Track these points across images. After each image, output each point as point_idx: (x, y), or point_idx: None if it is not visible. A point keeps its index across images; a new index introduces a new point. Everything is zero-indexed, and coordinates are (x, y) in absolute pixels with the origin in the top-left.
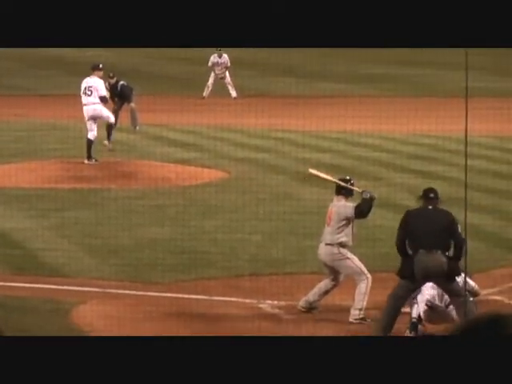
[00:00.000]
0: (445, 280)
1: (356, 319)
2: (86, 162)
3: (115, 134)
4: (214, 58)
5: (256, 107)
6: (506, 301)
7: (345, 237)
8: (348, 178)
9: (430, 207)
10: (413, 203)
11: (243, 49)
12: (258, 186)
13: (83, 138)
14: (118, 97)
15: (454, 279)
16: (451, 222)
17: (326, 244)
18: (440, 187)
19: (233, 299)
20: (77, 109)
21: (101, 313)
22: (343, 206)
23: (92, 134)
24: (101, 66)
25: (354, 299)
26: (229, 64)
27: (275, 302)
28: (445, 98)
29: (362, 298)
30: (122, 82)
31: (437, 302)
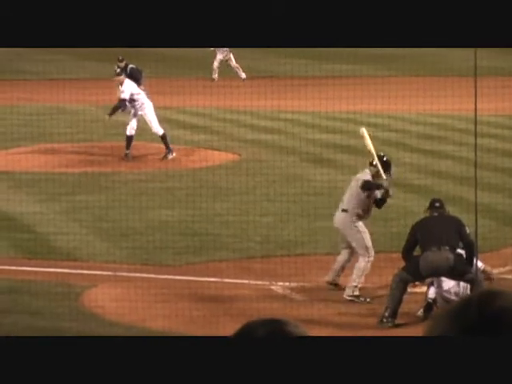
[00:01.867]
0: (452, 276)
1: (350, 296)
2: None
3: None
4: None
5: (265, 89)
6: None
7: (360, 208)
8: (383, 156)
9: (436, 214)
10: (423, 182)
11: None
12: (268, 168)
13: (93, 121)
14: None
15: (463, 276)
16: (459, 224)
17: (342, 210)
18: (450, 167)
19: (244, 281)
20: (86, 93)
21: (112, 296)
22: (358, 179)
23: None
24: (120, 57)
25: (352, 273)
26: None
27: (287, 284)
28: (454, 77)
29: (360, 274)
30: (131, 65)
31: (452, 296)
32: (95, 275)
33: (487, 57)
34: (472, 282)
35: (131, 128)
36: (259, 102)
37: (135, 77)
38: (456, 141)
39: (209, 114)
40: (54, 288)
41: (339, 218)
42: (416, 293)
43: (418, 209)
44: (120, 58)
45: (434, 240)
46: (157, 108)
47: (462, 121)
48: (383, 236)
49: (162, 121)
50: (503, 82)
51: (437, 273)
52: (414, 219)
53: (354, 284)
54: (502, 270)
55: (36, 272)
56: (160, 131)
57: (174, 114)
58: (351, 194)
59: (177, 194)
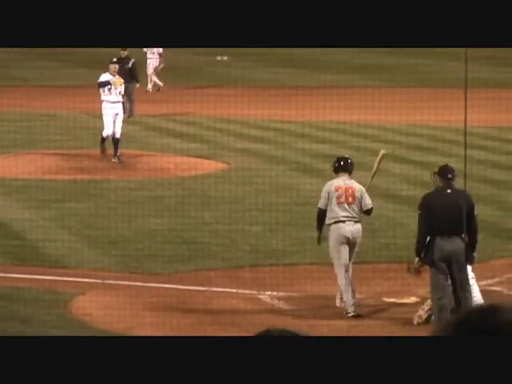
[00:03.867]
0: (462, 266)
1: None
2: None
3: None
4: None
5: (256, 98)
6: (506, 291)
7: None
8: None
9: (449, 191)
10: (412, 193)
11: None
12: (257, 177)
13: (83, 128)
14: (126, 73)
15: (467, 265)
16: (471, 205)
17: (357, 221)
18: None
19: (233, 290)
20: (77, 100)
21: (100, 304)
22: (364, 192)
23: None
24: (113, 59)
25: (349, 289)
26: (161, 50)
27: (275, 293)
28: (444, 89)
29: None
30: (134, 60)
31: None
32: (83, 283)
33: (477, 69)
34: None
35: (116, 132)
36: (249, 111)
37: (136, 72)
38: (445, 152)
39: (199, 123)
40: (42, 295)
41: (358, 229)
42: (407, 304)
43: (407, 220)
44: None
45: (445, 226)
46: (147, 116)
47: (452, 132)
48: (372, 247)
49: (151, 128)
50: (493, 93)
51: (450, 261)
52: (403, 230)
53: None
54: (490, 281)
55: (24, 279)
56: (119, 134)
57: (163, 122)
58: (358, 205)
59: (166, 203)
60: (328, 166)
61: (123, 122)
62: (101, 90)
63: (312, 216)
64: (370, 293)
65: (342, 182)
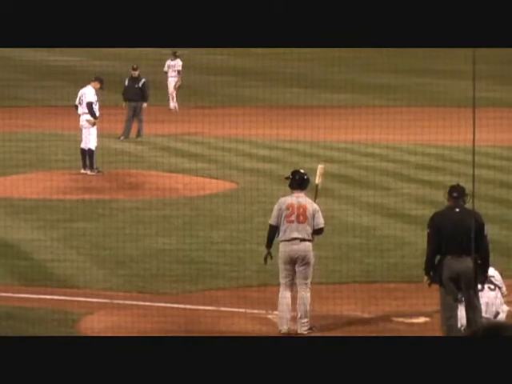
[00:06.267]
0: (471, 286)
1: (307, 331)
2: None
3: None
4: (169, 62)
5: (264, 117)
6: None
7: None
8: (303, 172)
9: (458, 210)
10: (420, 213)
11: (251, 59)
12: (265, 197)
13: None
14: (137, 92)
15: (477, 286)
16: (479, 228)
17: (304, 240)
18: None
19: (241, 310)
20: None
21: (108, 323)
22: (317, 211)
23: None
24: (134, 65)
25: (301, 308)
26: (180, 68)
27: None
28: (452, 108)
29: (308, 305)
30: (145, 79)
31: (486, 314)
32: (92, 302)
33: (486, 88)
34: (472, 301)
35: (93, 144)
36: (257, 131)
37: (146, 92)
38: (454, 171)
39: (207, 143)
40: (51, 315)
41: (304, 247)
42: (413, 323)
43: (416, 239)
44: (134, 66)
45: (454, 245)
46: (155, 136)
47: (460, 151)
48: (380, 266)
49: (159, 148)
50: (501, 112)
51: (459, 281)
52: (412, 250)
53: (307, 319)
54: None
55: (32, 299)
56: (94, 146)
57: (171, 142)
58: (310, 224)
59: (174, 222)
60: (336, 186)
61: (130, 141)
62: (85, 106)
63: (319, 236)
64: (379, 312)
65: (295, 199)
